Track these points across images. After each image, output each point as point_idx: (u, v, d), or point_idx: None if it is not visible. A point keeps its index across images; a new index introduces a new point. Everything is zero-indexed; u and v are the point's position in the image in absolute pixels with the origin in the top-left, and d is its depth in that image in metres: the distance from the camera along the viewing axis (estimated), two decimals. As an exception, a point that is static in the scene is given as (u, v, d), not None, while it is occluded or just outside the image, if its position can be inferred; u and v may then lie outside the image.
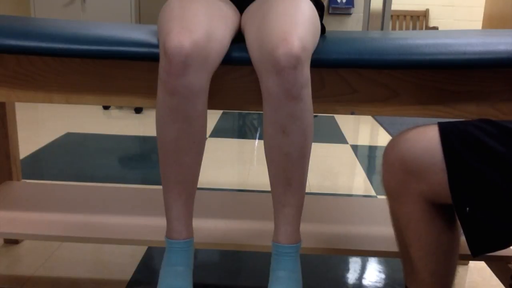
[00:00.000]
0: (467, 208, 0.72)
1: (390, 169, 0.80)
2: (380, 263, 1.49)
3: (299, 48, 0.80)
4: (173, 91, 0.83)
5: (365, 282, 1.37)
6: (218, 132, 3.06)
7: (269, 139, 0.88)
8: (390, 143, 0.82)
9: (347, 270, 1.44)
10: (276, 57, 0.80)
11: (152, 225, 1.16)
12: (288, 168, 0.89)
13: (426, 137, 0.76)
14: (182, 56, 0.80)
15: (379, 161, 2.60)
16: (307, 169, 0.92)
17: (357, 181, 2.26)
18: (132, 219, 1.19)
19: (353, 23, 4.83)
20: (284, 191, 0.91)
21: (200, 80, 0.84)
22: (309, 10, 0.90)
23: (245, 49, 0.92)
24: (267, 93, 0.84)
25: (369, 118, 3.69)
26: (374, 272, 1.44)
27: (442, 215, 0.80)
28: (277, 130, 0.86)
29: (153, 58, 0.92)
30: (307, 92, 0.84)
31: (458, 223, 0.80)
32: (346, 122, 3.51)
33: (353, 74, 0.96)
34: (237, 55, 0.92)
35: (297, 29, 0.83)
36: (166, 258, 0.94)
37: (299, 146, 0.87)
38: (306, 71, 0.82)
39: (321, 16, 1.04)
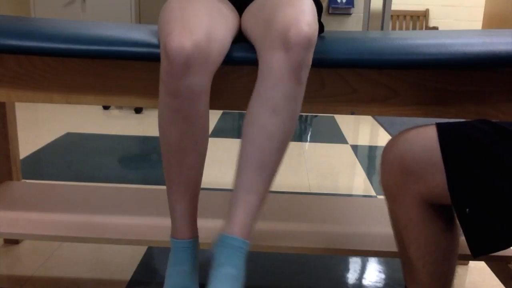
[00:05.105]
0: (467, 209, 0.72)
1: (388, 169, 0.80)
2: (380, 263, 1.49)
3: (310, 32, 0.81)
4: (175, 92, 0.83)
5: (365, 282, 1.37)
6: (218, 132, 3.06)
7: (254, 117, 0.84)
8: (388, 144, 0.82)
9: (347, 270, 1.43)
10: (287, 35, 0.80)
11: (152, 225, 1.16)
12: (267, 151, 0.84)
13: (425, 138, 0.76)
14: (183, 57, 0.80)
15: (379, 161, 2.60)
16: (282, 161, 0.87)
17: (357, 181, 2.26)
18: (132, 219, 1.19)
19: (353, 23, 4.83)
20: (254, 176, 0.84)
21: (201, 81, 0.84)
22: (312, 5, 0.91)
23: (245, 49, 0.92)
24: (267, 69, 0.83)
25: (369, 118, 3.69)
26: (374, 272, 1.44)
27: (440, 216, 0.80)
28: (267, 108, 0.83)
29: (153, 58, 0.92)
30: (306, 77, 0.84)
31: (457, 223, 0.80)
32: (346, 122, 3.51)
33: (353, 74, 0.96)
34: (238, 55, 0.92)
35: (306, 16, 0.83)
36: (171, 258, 0.94)
37: (285, 129, 0.84)
38: (311, 57, 0.83)
39: (319, 15, 1.04)
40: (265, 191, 0.85)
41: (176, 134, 0.87)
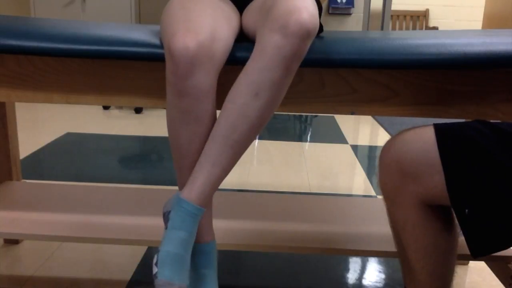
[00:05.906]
0: (466, 210, 0.72)
1: (386, 171, 0.80)
2: (380, 263, 1.49)
3: (311, 23, 0.80)
4: (182, 93, 0.82)
5: (365, 282, 1.37)
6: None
7: (237, 95, 0.85)
8: (386, 145, 0.81)
9: (347, 270, 1.44)
10: (288, 20, 0.79)
11: (152, 225, 1.16)
12: (240, 131, 0.85)
13: (422, 139, 0.76)
14: (188, 58, 0.80)
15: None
16: (250, 143, 0.88)
17: (357, 181, 2.26)
18: (132, 219, 1.19)
19: (353, 23, 4.83)
20: (223, 151, 0.86)
21: (207, 80, 0.84)
22: (314, 2, 0.91)
23: (247, 48, 0.92)
24: (260, 50, 0.82)
25: (369, 118, 3.69)
26: (374, 272, 1.44)
27: (439, 217, 0.80)
28: (250, 90, 0.83)
29: (153, 58, 0.92)
30: (297, 68, 0.84)
31: (456, 224, 0.80)
32: (346, 122, 3.51)
33: (353, 74, 0.96)
34: (240, 55, 0.92)
35: (309, 8, 0.82)
36: (191, 264, 0.94)
37: (264, 114, 0.85)
38: (306, 49, 0.82)
39: (319, 15, 1.04)
40: (230, 165, 0.88)
41: (186, 135, 0.87)
